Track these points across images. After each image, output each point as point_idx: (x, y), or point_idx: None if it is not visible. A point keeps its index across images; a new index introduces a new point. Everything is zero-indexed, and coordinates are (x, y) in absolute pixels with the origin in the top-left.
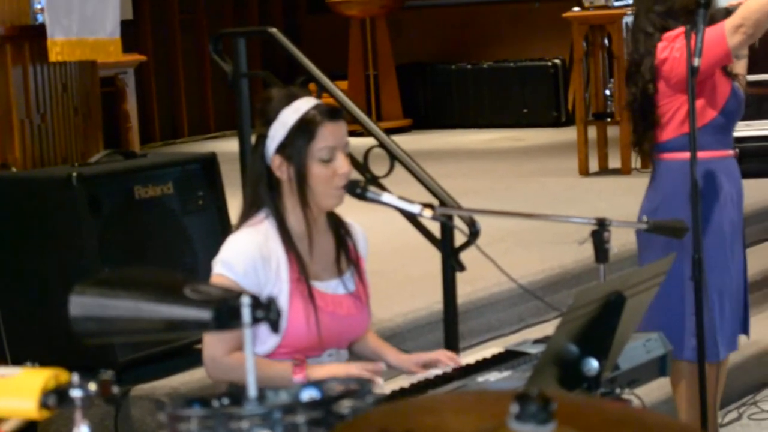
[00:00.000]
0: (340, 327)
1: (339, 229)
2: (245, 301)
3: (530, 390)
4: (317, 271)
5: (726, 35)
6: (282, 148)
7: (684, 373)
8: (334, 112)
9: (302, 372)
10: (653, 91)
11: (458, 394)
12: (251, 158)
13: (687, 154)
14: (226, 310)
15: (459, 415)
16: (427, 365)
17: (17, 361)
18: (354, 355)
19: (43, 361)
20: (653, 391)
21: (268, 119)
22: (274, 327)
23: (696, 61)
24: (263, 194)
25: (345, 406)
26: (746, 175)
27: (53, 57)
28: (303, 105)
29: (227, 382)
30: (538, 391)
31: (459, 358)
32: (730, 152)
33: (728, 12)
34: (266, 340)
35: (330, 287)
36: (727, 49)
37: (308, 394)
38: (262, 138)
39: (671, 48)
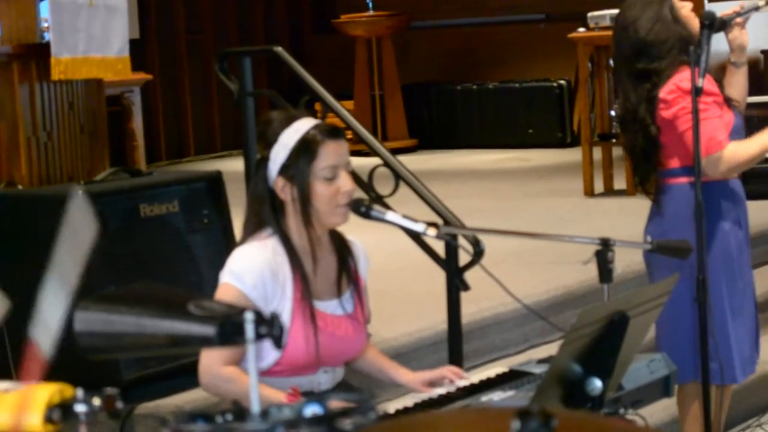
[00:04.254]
0: (338, 347)
1: (342, 249)
2: (249, 317)
3: (531, 407)
4: (319, 291)
5: (705, 158)
6: (284, 170)
7: (693, 395)
8: (334, 131)
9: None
10: (656, 131)
11: (460, 411)
12: (253, 182)
13: (693, 178)
14: (229, 325)
15: (460, 431)
16: (432, 383)
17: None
18: (356, 372)
19: (48, 379)
20: (658, 413)
21: (269, 142)
22: (277, 343)
23: (700, 82)
24: (267, 217)
25: (348, 422)
26: (750, 196)
27: (56, 75)
28: (303, 125)
29: (219, 394)
30: (539, 407)
31: (464, 373)
32: (734, 174)
33: (723, 23)
34: (265, 356)
35: (330, 308)
36: (704, 154)
37: (311, 410)
38: (264, 161)
39: (680, 104)
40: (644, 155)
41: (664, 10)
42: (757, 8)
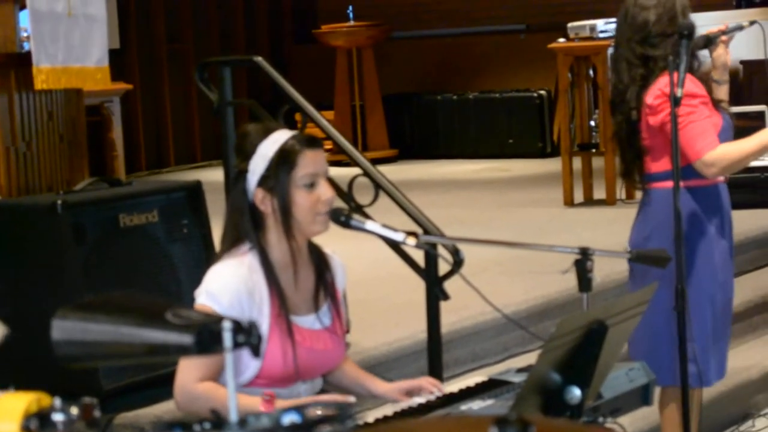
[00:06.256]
0: (316, 361)
1: (319, 263)
2: (227, 325)
3: (509, 414)
4: (296, 305)
5: (696, 162)
6: (264, 181)
7: (674, 398)
8: (312, 140)
9: (271, 408)
10: (636, 117)
11: (438, 419)
12: (232, 195)
13: (679, 182)
14: (207, 334)
15: None
16: (410, 392)
17: (0, 386)
18: (332, 385)
19: (27, 388)
20: (637, 421)
21: (247, 154)
22: (255, 351)
23: (679, 92)
24: (247, 230)
25: (325, 430)
26: (733, 206)
27: (38, 85)
28: (281, 136)
29: (195, 412)
30: (516, 414)
31: (442, 385)
32: (722, 178)
33: (708, 40)
34: (244, 371)
35: (307, 322)
36: (690, 160)
37: (289, 419)
38: (242, 174)
39: (667, 110)
40: (628, 141)
41: (677, 7)
42: (741, 28)
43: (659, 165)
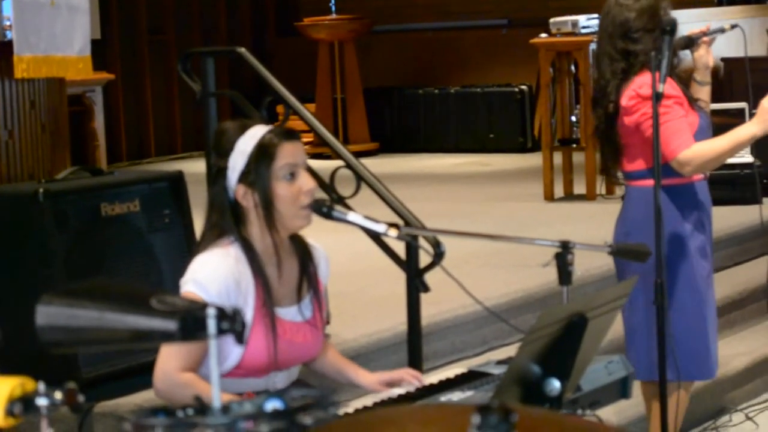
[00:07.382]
0: (295, 353)
1: (303, 254)
2: (211, 312)
3: (491, 402)
4: (280, 297)
5: (672, 161)
6: (244, 176)
7: (670, 392)
8: (289, 133)
9: None
10: (614, 110)
11: (420, 407)
12: (211, 193)
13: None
14: (191, 320)
15: (421, 426)
16: (390, 384)
17: None
18: (314, 372)
19: (6, 375)
20: (612, 415)
21: (225, 151)
22: (239, 338)
23: (660, 87)
24: (228, 226)
25: (308, 417)
26: (713, 202)
27: (19, 74)
28: (258, 131)
29: (174, 400)
30: (499, 402)
31: (422, 376)
32: (701, 176)
33: (689, 40)
34: (224, 360)
35: (289, 314)
36: (666, 159)
37: (272, 405)
38: (221, 171)
39: (641, 110)
40: (607, 136)
41: (661, 4)
42: (722, 30)
43: (636, 164)
